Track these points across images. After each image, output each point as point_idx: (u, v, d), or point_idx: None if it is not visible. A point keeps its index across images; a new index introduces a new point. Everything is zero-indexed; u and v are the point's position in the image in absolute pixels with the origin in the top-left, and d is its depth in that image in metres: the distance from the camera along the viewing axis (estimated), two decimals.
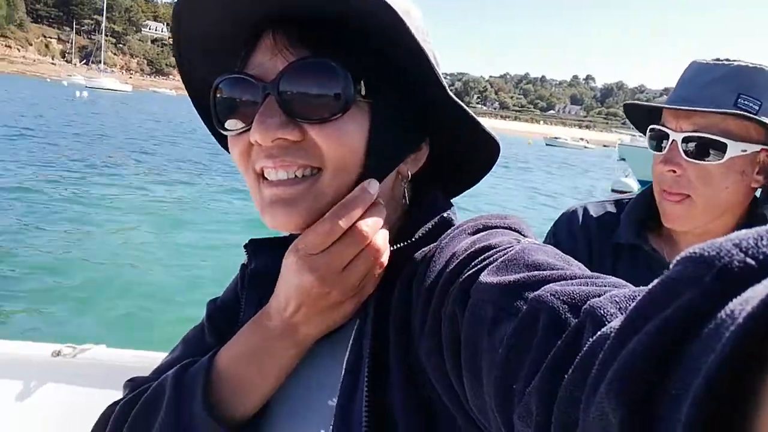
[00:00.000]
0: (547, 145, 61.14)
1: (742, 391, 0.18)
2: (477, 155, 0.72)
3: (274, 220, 0.59)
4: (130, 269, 6.51)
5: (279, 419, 0.65)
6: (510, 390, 0.38)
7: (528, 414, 0.35)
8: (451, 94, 0.61)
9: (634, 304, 0.27)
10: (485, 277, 0.48)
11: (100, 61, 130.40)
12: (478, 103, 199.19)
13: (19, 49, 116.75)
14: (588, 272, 0.46)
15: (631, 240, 1.28)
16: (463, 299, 0.49)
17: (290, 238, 0.64)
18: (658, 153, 1.19)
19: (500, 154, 0.72)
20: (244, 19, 0.59)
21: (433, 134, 0.68)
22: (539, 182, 23.01)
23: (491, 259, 0.51)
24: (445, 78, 0.61)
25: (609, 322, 0.33)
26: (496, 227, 0.61)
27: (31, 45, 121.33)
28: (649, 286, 0.26)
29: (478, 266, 0.51)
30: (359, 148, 0.59)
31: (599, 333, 0.32)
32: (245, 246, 0.72)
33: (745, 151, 1.12)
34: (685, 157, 1.14)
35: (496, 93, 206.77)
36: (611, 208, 1.37)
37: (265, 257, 0.71)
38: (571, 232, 1.36)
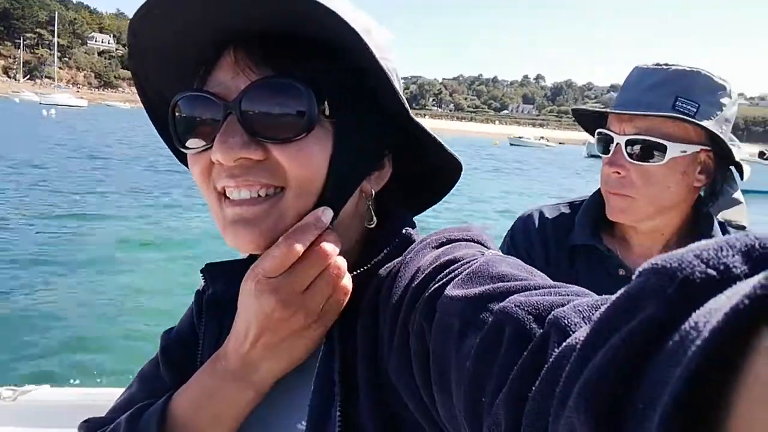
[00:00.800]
0: (511, 144, 62.52)
1: (708, 403, 0.19)
2: (439, 173, 0.72)
3: (236, 239, 0.58)
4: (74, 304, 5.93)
5: None
6: (479, 403, 0.38)
7: (497, 426, 0.35)
8: (411, 113, 0.62)
9: (598, 315, 0.27)
10: (451, 291, 0.48)
11: (45, 76, 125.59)
12: (433, 105, 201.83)
13: None
14: (551, 282, 0.46)
15: (587, 241, 1.33)
16: (430, 314, 0.49)
17: (248, 261, 0.63)
18: (605, 156, 1.26)
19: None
20: (203, 35, 0.58)
21: (396, 152, 0.68)
22: (529, 186, 22.53)
23: (456, 272, 0.51)
24: (400, 81, 0.63)
25: (574, 332, 0.33)
26: (459, 240, 0.61)
27: None
28: (613, 297, 0.26)
29: (444, 279, 0.51)
30: (322, 167, 0.58)
31: (564, 344, 0.32)
32: (202, 271, 0.71)
33: (685, 152, 1.17)
34: (629, 159, 1.20)
35: (450, 95, 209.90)
36: (566, 210, 1.42)
37: (223, 282, 0.70)
38: (528, 236, 1.40)
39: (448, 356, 0.45)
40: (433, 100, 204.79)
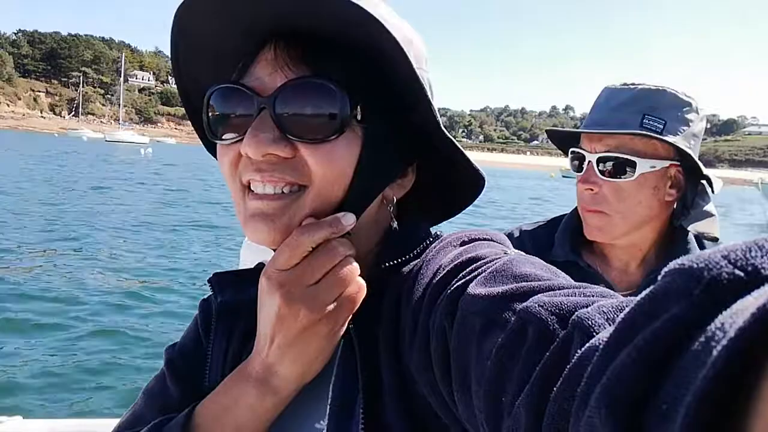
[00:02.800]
0: (563, 176, 61.77)
1: (733, 404, 0.18)
2: (461, 186, 0.72)
3: (255, 234, 0.59)
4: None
5: None
6: (499, 402, 0.38)
7: (517, 426, 0.35)
8: (441, 125, 0.62)
9: (622, 315, 0.27)
10: (473, 289, 0.48)
11: (88, 113, 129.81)
12: (463, 136, 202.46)
13: (8, 104, 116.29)
14: (574, 282, 0.46)
15: (567, 257, 1.35)
16: (452, 311, 0.49)
17: (256, 270, 0.65)
18: (579, 174, 1.30)
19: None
20: (246, 29, 0.59)
21: (421, 161, 0.69)
22: None
23: (479, 270, 0.51)
24: (433, 92, 0.63)
25: (597, 334, 0.32)
26: (480, 239, 0.62)
27: (20, 99, 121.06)
28: (638, 298, 0.26)
29: (466, 278, 0.51)
30: (347, 170, 0.59)
31: (588, 345, 0.31)
32: (209, 281, 0.72)
33: (654, 167, 1.21)
34: (601, 176, 1.24)
35: (480, 126, 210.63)
36: (545, 228, 1.46)
37: (231, 290, 0.71)
38: None
39: (470, 354, 0.45)
40: (463, 131, 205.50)
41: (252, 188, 0.59)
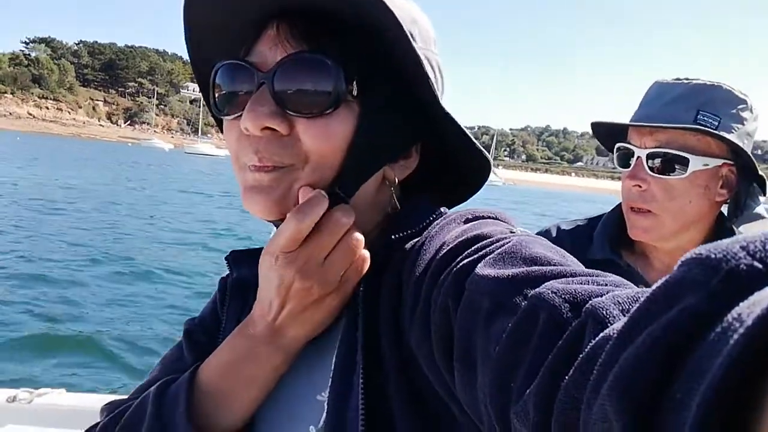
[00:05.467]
0: None
1: (748, 395, 0.18)
2: (469, 169, 0.71)
3: (251, 205, 0.60)
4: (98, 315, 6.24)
5: (266, 416, 0.65)
6: (507, 387, 0.38)
7: (525, 414, 0.34)
8: (443, 104, 0.61)
9: (637, 305, 0.26)
10: (482, 270, 0.47)
11: (142, 122, 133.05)
12: (506, 155, 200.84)
13: (69, 112, 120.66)
14: (586, 269, 0.45)
15: (606, 255, 1.30)
16: (457, 291, 0.48)
17: None
18: (625, 170, 1.24)
19: None
20: (252, 9, 0.60)
21: (427, 143, 0.68)
22: None
23: (486, 250, 0.51)
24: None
25: (611, 324, 0.32)
26: (485, 217, 0.62)
27: (80, 108, 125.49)
28: (653, 288, 0.26)
29: (473, 257, 0.51)
30: (342, 145, 0.59)
31: (601, 335, 0.31)
32: (226, 258, 0.73)
33: (707, 165, 1.16)
34: (650, 172, 1.18)
35: (523, 146, 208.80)
36: (584, 226, 1.41)
37: (245, 267, 0.72)
38: None
39: (475, 336, 0.44)
40: (505, 150, 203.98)
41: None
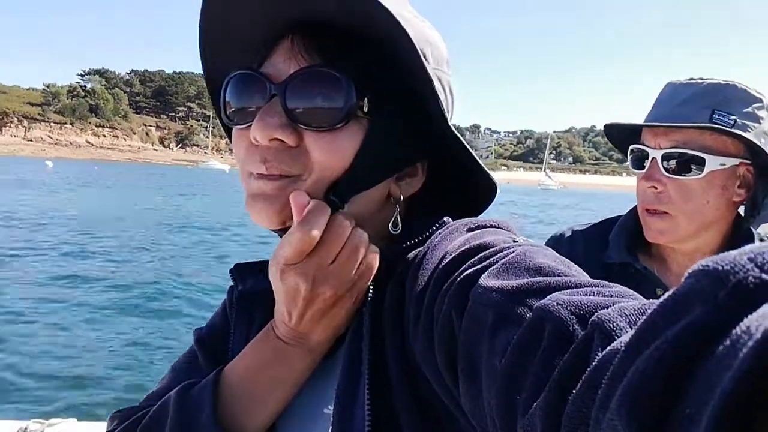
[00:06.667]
0: None
1: (758, 408, 0.18)
2: (478, 189, 0.71)
3: (254, 213, 0.61)
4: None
5: (277, 428, 0.65)
6: (513, 400, 0.37)
7: (533, 428, 0.34)
8: (451, 125, 0.62)
9: (644, 318, 0.26)
10: (486, 280, 0.47)
11: (193, 144, 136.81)
12: (552, 158, 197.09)
13: (125, 139, 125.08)
14: (591, 279, 0.45)
15: (622, 258, 1.28)
16: (461, 301, 0.48)
17: None
18: (640, 171, 1.22)
19: None
20: (268, 21, 0.60)
21: (437, 162, 0.68)
22: None
23: (490, 260, 0.50)
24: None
25: (618, 337, 0.32)
26: (487, 226, 0.62)
27: (134, 134, 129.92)
28: (660, 300, 0.26)
29: (476, 266, 0.50)
30: (347, 160, 0.60)
31: (608, 348, 0.31)
32: (231, 271, 0.74)
33: (724, 165, 1.14)
34: (665, 173, 1.17)
35: (569, 147, 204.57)
36: (598, 229, 1.39)
37: (250, 279, 0.72)
38: (558, 254, 1.29)
39: (479, 348, 0.44)
40: (551, 153, 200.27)
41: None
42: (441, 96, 0.60)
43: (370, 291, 0.62)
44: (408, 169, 0.66)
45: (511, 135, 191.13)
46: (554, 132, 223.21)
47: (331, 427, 0.58)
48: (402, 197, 0.66)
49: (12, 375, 5.14)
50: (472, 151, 0.64)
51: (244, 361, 0.65)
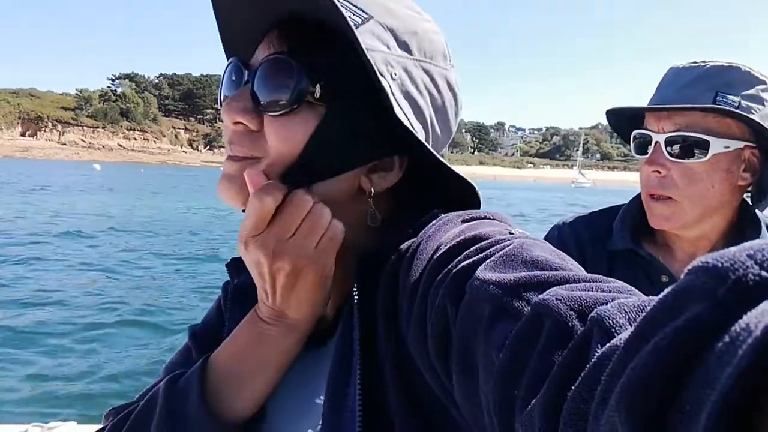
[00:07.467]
0: None
1: (758, 405, 0.18)
2: (457, 192, 0.70)
3: (219, 193, 0.63)
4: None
5: (267, 417, 0.65)
6: (511, 395, 0.37)
7: (531, 424, 0.34)
8: (406, 119, 0.62)
9: (644, 314, 0.26)
10: (482, 273, 0.46)
11: (220, 146, 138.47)
12: (580, 155, 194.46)
13: (155, 141, 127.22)
14: (589, 274, 0.44)
15: (627, 245, 1.27)
16: (456, 293, 0.48)
17: None
18: (643, 156, 1.20)
19: None
20: (261, 19, 0.65)
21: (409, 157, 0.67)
22: None
23: (487, 252, 0.50)
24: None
25: (618, 333, 0.32)
26: (482, 218, 0.61)
27: (164, 137, 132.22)
28: (660, 296, 0.26)
29: (472, 258, 0.50)
30: (300, 146, 0.60)
31: (608, 344, 0.31)
32: (227, 265, 0.77)
33: (728, 147, 1.12)
34: (669, 157, 1.15)
35: (597, 144, 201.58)
36: (601, 217, 1.37)
37: (245, 272, 0.72)
38: (563, 243, 1.32)
39: (475, 341, 0.44)
40: (578, 149, 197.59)
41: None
42: (387, 83, 0.60)
43: (355, 291, 0.61)
44: (380, 163, 0.65)
45: (536, 132, 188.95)
46: (581, 128, 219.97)
47: (322, 419, 0.59)
48: (374, 191, 0.65)
49: (12, 378, 5.17)
50: (434, 152, 0.64)
51: (230, 344, 0.66)
